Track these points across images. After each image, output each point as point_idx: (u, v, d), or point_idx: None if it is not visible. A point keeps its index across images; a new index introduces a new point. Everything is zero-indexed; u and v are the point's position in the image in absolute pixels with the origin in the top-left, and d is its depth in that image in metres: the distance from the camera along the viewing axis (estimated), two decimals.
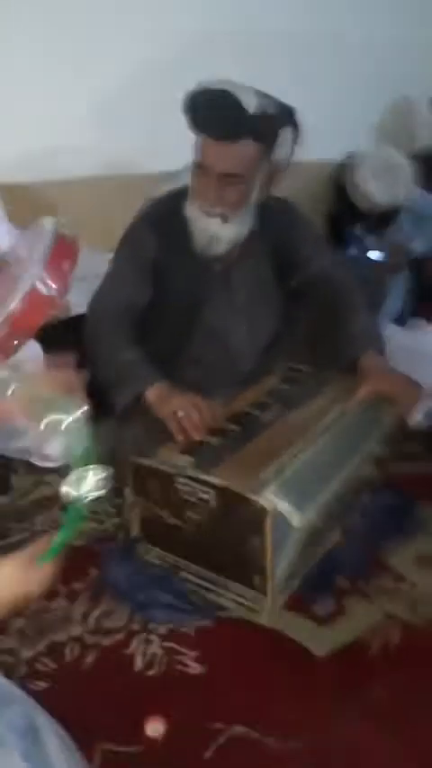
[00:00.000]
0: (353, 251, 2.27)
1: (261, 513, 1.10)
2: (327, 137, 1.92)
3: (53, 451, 1.59)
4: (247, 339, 1.64)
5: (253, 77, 1.42)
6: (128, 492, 1.32)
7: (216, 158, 1.35)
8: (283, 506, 1.12)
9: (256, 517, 1.11)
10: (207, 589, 1.25)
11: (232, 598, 1.23)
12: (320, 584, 1.28)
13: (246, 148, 1.35)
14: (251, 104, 1.31)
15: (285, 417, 1.40)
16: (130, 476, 1.30)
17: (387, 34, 2.54)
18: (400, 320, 2.16)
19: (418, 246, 2.21)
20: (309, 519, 1.13)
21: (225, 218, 1.42)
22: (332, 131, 2.01)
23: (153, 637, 1.21)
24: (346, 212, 2.24)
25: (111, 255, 1.66)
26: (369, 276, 1.96)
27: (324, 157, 2.24)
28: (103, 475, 0.82)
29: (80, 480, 0.81)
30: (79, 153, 2.07)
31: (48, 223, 1.31)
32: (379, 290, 2.04)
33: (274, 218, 1.58)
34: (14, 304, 1.16)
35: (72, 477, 0.82)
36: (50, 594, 1.28)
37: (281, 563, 1.17)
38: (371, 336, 1.55)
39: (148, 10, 2.12)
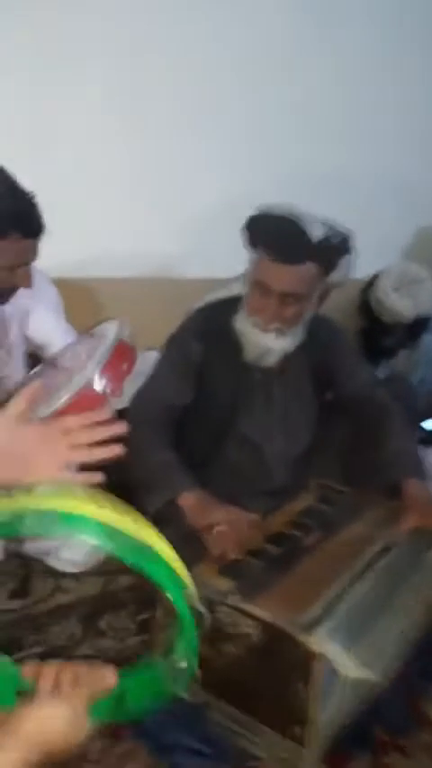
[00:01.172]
0: (382, 368, 2.30)
1: (310, 656, 1.03)
2: (357, 259, 2.02)
3: (73, 556, 1.52)
4: (282, 450, 1.63)
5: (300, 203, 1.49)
6: (160, 614, 1.23)
7: (279, 279, 1.39)
8: (334, 651, 1.04)
9: (303, 661, 1.03)
10: (239, 734, 1.15)
11: (267, 747, 1.12)
12: (359, 737, 1.18)
13: (307, 271, 1.40)
14: (316, 233, 1.37)
15: (327, 543, 1.34)
16: (159, 596, 1.22)
17: (418, 168, 2.69)
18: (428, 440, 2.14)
19: None
20: (361, 668, 1.05)
21: (280, 333, 1.44)
22: (362, 254, 2.12)
23: None
24: (375, 328, 2.28)
25: (151, 353, 1.66)
26: (403, 393, 1.96)
27: (353, 278, 2.34)
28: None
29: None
30: (133, 255, 2.16)
31: (111, 325, 1.32)
32: (412, 408, 2.03)
33: (316, 335, 1.61)
34: (65, 398, 1.14)
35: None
36: None
37: (325, 714, 1.07)
38: (412, 461, 1.53)
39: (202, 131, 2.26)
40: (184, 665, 0.71)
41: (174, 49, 2.16)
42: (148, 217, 2.20)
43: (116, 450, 0.87)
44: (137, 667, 0.73)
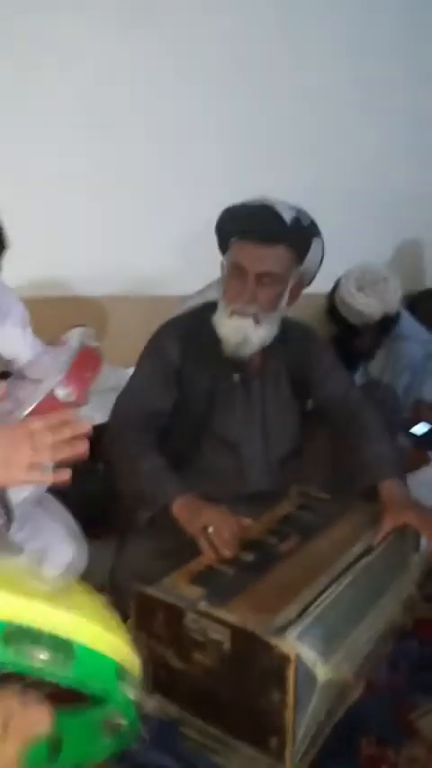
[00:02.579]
0: (359, 374, 2.28)
1: (282, 660, 0.97)
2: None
3: (50, 572, 1.46)
4: (261, 454, 1.59)
5: None
6: (129, 625, 1.17)
7: (254, 259, 1.40)
8: (308, 654, 0.98)
9: (275, 665, 0.98)
10: (214, 750, 1.08)
11: (243, 763, 1.05)
12: (342, 749, 1.11)
13: (282, 252, 1.41)
14: (288, 215, 1.40)
15: (304, 548, 1.30)
16: (132, 606, 1.17)
17: (401, 184, 2.71)
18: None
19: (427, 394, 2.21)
20: (336, 670, 0.99)
21: (257, 319, 1.43)
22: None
23: None
24: (345, 332, 2.27)
25: (129, 371, 1.64)
26: (385, 398, 1.92)
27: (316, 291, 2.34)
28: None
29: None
30: (114, 273, 2.17)
31: (75, 333, 1.30)
32: (397, 414, 1.99)
33: (293, 338, 1.60)
34: (30, 408, 1.11)
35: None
36: None
37: (302, 722, 1.01)
38: (389, 462, 1.49)
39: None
40: (122, 721, 0.59)
41: (169, 65, 2.20)
42: (135, 235, 2.21)
43: (82, 448, 0.85)
44: (73, 709, 0.60)
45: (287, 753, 1.00)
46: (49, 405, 1.12)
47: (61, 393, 1.12)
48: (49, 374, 1.20)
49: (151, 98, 2.20)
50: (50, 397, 1.11)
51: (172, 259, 2.24)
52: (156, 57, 2.18)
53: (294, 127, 2.47)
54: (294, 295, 1.50)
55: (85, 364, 1.22)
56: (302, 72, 2.46)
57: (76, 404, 1.17)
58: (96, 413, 1.68)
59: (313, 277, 1.53)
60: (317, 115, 2.51)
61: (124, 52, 2.14)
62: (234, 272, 1.43)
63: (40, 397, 1.12)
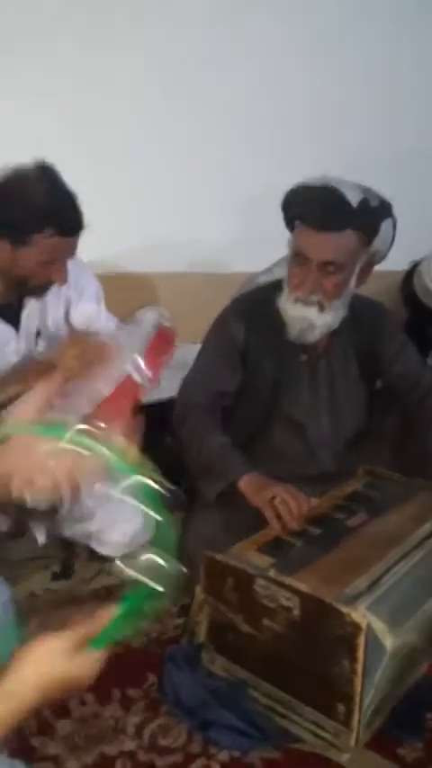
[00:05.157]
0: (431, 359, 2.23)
1: (353, 629, 0.98)
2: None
3: (117, 538, 1.51)
4: (329, 434, 1.58)
5: None
6: (198, 590, 1.21)
7: (318, 247, 1.36)
8: (378, 624, 0.99)
9: (346, 634, 0.99)
10: (279, 713, 1.11)
11: (308, 728, 1.07)
12: (409, 721, 1.11)
13: (347, 239, 1.36)
14: (354, 198, 1.34)
15: (372, 524, 1.30)
16: (201, 572, 1.20)
17: None
18: None
19: None
20: (405, 641, 1.00)
21: (321, 307, 1.41)
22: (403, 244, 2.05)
23: (213, 763, 1.05)
24: (424, 318, 2.20)
25: (196, 347, 1.66)
26: None
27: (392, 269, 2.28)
28: (173, 570, 0.69)
29: (149, 567, 0.70)
30: (179, 250, 2.19)
31: (151, 314, 1.32)
32: None
33: (364, 316, 1.57)
34: (107, 389, 1.14)
35: (143, 559, 0.69)
36: (103, 699, 1.16)
37: (369, 691, 1.02)
38: None
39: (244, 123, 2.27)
40: (161, 561, 0.69)
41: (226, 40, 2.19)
42: (204, 211, 2.21)
43: None
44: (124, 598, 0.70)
45: (354, 720, 1.02)
46: (125, 387, 1.14)
47: (137, 375, 1.14)
48: (126, 355, 1.22)
49: (214, 70, 2.16)
50: (127, 379, 1.14)
51: (241, 235, 2.22)
52: (208, 30, 2.14)
53: (366, 100, 2.40)
54: (364, 275, 1.46)
55: (162, 347, 1.24)
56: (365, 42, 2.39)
57: (150, 386, 1.19)
58: (166, 387, 1.72)
59: (384, 256, 1.49)
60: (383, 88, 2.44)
61: (184, 20, 2.12)
62: (297, 259, 1.40)
63: (116, 380, 1.15)
